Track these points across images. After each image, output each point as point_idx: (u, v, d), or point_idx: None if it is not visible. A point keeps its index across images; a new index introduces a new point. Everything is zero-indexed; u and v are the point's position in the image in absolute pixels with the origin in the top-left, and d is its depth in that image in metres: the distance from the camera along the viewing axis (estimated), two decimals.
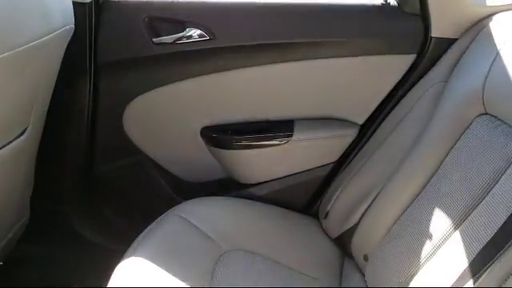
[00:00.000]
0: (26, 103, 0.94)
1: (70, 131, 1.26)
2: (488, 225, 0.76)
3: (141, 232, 1.07)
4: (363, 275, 1.07)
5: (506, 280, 0.65)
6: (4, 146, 0.92)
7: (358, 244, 1.12)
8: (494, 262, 0.69)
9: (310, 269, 1.11)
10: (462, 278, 0.74)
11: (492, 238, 0.72)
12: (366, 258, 1.08)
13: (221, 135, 1.28)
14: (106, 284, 0.92)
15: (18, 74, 0.80)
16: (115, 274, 0.93)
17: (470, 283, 0.71)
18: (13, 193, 1.11)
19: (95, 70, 1.19)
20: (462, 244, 0.81)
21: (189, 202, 1.18)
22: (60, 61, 1.01)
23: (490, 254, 0.70)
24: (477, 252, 0.74)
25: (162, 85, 1.23)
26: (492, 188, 0.82)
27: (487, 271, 0.69)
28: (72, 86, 1.18)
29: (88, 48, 1.14)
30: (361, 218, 1.12)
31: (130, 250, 0.99)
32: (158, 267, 0.93)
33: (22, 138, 0.99)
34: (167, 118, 1.28)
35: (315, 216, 1.28)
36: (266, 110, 1.26)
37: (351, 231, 1.14)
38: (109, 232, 1.36)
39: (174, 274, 0.92)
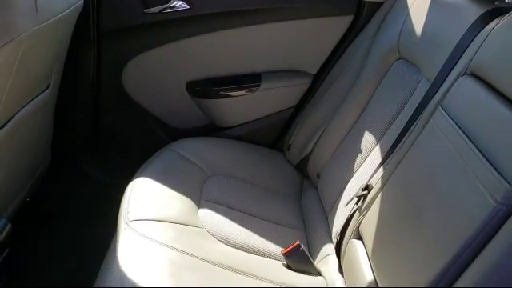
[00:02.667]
0: (51, 63, 1.20)
1: (78, 88, 1.51)
2: (395, 133, 1.07)
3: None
4: (316, 189, 1.40)
5: (399, 163, 0.96)
6: (37, 96, 1.18)
7: (312, 166, 1.43)
8: (393, 155, 1.01)
9: (279, 188, 1.41)
10: (376, 170, 1.06)
11: (394, 141, 1.04)
12: (318, 176, 1.40)
13: (203, 87, 1.54)
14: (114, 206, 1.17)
15: (49, 39, 1.06)
16: (127, 191, 1.20)
17: (380, 171, 1.03)
18: (40, 139, 1.37)
19: (98, 36, 1.43)
20: (379, 151, 1.13)
21: (179, 140, 1.44)
22: (72, 29, 1.27)
23: (392, 150, 1.02)
24: (386, 152, 1.05)
25: (152, 48, 1.48)
26: (402, 110, 1.13)
27: (392, 160, 1.00)
28: (79, 50, 1.42)
29: (92, 19, 1.39)
30: (314, 147, 1.44)
31: (137, 174, 1.26)
32: (159, 183, 1.20)
33: (47, 91, 1.25)
34: (158, 75, 1.53)
35: (280, 149, 1.58)
36: (238, 66, 1.53)
37: (307, 158, 1.46)
38: (113, 171, 1.61)
39: (172, 188, 1.19)
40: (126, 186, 1.21)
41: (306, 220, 1.30)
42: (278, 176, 1.48)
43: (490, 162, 0.69)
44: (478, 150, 0.73)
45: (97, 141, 1.62)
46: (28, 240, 1.46)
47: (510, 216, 0.63)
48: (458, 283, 0.68)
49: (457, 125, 0.82)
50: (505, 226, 0.64)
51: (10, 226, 0.94)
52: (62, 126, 1.51)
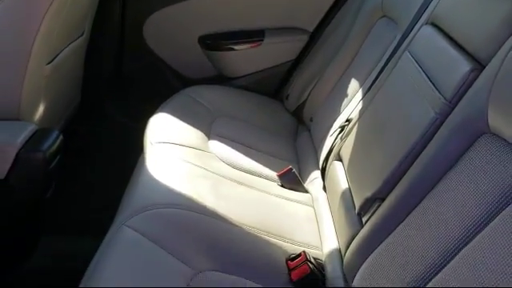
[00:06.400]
0: (87, 12, 1.42)
1: (105, 40, 1.72)
2: (374, 77, 1.29)
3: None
4: (309, 131, 1.62)
5: (373, 97, 1.18)
6: (75, 40, 1.40)
7: (307, 112, 1.66)
8: (370, 93, 1.23)
9: (276, 130, 1.64)
10: (356, 106, 1.28)
11: (371, 83, 1.26)
12: (311, 119, 1.62)
13: (213, 41, 1.75)
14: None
15: None
16: (149, 123, 1.41)
17: (359, 105, 1.25)
18: (73, 79, 1.59)
19: None
20: (360, 92, 1.36)
21: (191, 87, 1.67)
22: None
23: (366, 94, 1.25)
24: (365, 92, 1.28)
25: (169, 5, 1.68)
26: (381, 58, 1.35)
27: (368, 97, 1.22)
28: (106, 4, 1.62)
29: None
30: (309, 95, 1.66)
31: (157, 111, 1.48)
32: (176, 118, 1.43)
33: (81, 37, 1.47)
34: (174, 29, 1.74)
35: (280, 99, 1.80)
36: (244, 22, 1.74)
37: (303, 105, 1.68)
38: (133, 114, 1.80)
39: (186, 123, 1.41)
40: (144, 128, 1.38)
41: (299, 155, 1.53)
42: (277, 121, 1.70)
43: (434, 85, 0.92)
44: (428, 78, 0.95)
45: (119, 87, 1.83)
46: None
47: (441, 124, 0.86)
48: (406, 176, 0.91)
49: (417, 63, 1.04)
50: (440, 130, 0.86)
51: (61, 136, 1.17)
52: (89, 73, 1.72)
